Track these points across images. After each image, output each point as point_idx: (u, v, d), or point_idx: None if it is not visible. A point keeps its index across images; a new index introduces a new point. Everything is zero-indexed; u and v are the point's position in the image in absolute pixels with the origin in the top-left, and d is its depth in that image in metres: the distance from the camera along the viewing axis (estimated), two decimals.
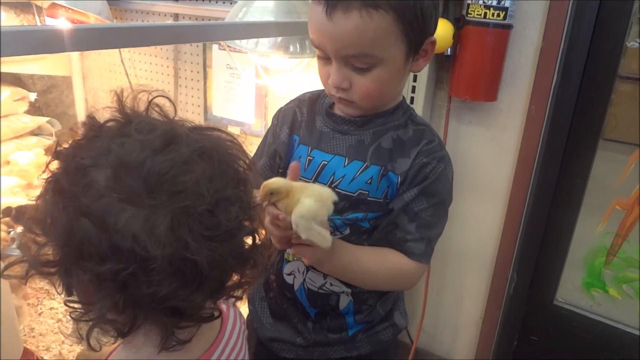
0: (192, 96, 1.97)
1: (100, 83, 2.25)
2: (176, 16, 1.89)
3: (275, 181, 0.71)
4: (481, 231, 1.63)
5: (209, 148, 0.51)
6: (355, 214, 0.85)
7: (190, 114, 1.99)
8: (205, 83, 1.89)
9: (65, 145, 0.53)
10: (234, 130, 1.86)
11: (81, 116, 2.29)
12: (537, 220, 1.59)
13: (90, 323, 0.49)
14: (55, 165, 0.52)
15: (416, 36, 0.75)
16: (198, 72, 1.92)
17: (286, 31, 1.28)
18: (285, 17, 1.35)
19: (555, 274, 1.66)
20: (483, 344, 1.74)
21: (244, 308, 0.96)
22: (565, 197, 1.56)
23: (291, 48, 1.38)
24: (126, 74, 2.08)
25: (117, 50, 2.02)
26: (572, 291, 1.66)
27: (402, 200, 0.83)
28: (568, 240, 1.61)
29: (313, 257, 0.76)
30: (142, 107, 0.54)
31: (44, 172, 0.53)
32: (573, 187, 1.55)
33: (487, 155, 1.56)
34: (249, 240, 0.54)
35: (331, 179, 0.85)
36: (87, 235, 0.45)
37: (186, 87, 1.98)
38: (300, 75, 1.61)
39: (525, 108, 1.46)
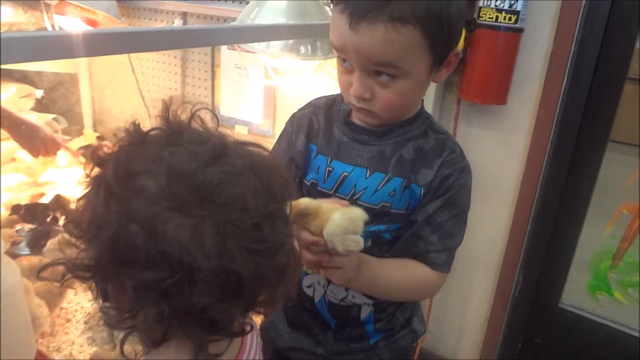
0: (200, 95, 1.97)
1: (106, 80, 2.25)
2: (184, 14, 1.89)
3: (303, 202, 0.70)
4: (489, 233, 1.63)
5: (256, 163, 0.51)
6: (377, 226, 0.84)
7: (197, 113, 1.99)
8: (213, 82, 1.89)
9: (106, 150, 0.53)
10: (241, 129, 1.86)
11: (87, 114, 2.29)
12: (544, 223, 1.59)
13: (126, 330, 0.49)
14: (95, 169, 0.52)
15: (442, 48, 0.75)
16: (206, 72, 1.92)
17: (298, 34, 1.28)
18: (297, 19, 1.35)
19: (560, 276, 1.67)
20: (487, 345, 1.75)
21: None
22: (572, 200, 1.57)
23: (302, 50, 1.38)
24: (133, 71, 2.08)
25: None
26: (577, 294, 1.67)
27: (425, 212, 0.83)
28: (574, 243, 1.61)
29: (343, 277, 0.75)
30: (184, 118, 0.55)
31: (87, 176, 0.52)
32: (581, 190, 1.56)
33: (496, 158, 1.56)
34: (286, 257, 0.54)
35: (352, 191, 0.84)
36: (135, 240, 0.45)
37: (193, 86, 1.98)
38: (310, 77, 1.61)
39: (534, 111, 1.47)
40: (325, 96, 0.98)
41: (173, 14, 1.91)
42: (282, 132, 0.97)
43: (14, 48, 0.64)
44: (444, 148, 0.84)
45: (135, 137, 0.52)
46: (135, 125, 0.53)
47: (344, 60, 0.77)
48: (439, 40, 0.73)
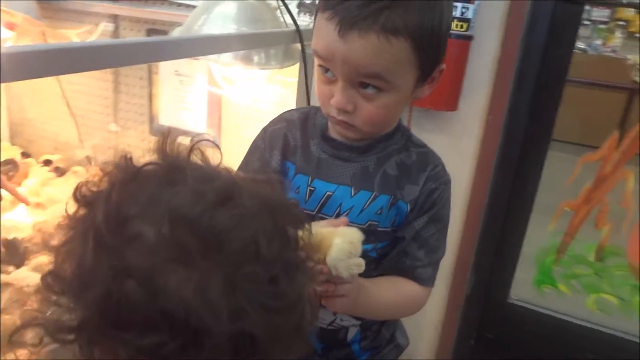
0: (135, 104, 1.84)
1: (25, 88, 2.04)
2: (116, 17, 1.76)
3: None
4: None
5: (269, 203, 0.45)
6: (365, 245, 0.81)
7: (132, 122, 1.86)
8: (150, 90, 1.77)
9: (92, 188, 0.45)
10: (183, 141, 1.76)
11: (3, 125, 2.07)
12: (493, 223, 1.65)
13: None
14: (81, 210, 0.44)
15: (429, 64, 0.73)
16: (142, 79, 1.79)
17: (251, 44, 1.22)
18: (250, 26, 1.28)
19: (509, 273, 1.74)
20: (443, 344, 1.78)
21: None
22: (518, 199, 1.63)
23: (256, 59, 1.32)
24: (57, 77, 1.90)
25: None
26: (524, 289, 1.74)
27: (412, 229, 0.81)
28: (521, 240, 1.69)
29: (346, 305, 0.71)
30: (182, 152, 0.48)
31: (69, 216, 0.45)
32: (526, 190, 1.63)
33: (448, 162, 1.56)
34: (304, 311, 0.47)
35: (337, 211, 0.80)
36: (131, 299, 0.38)
37: (127, 93, 1.84)
38: (259, 85, 1.55)
39: (483, 116, 1.51)
40: (296, 110, 0.94)
41: (102, 16, 1.76)
42: (252, 147, 0.91)
43: None
44: (428, 162, 0.83)
45: (127, 173, 0.45)
46: (127, 159, 0.47)
47: (326, 70, 0.73)
48: (428, 55, 0.71)
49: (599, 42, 5.06)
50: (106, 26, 1.77)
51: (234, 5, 1.30)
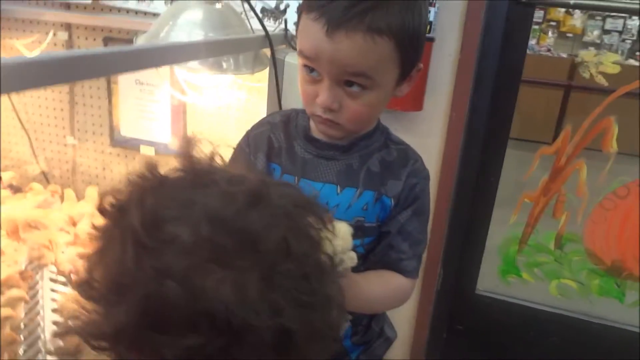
0: (93, 115, 1.78)
1: None
2: (68, 26, 1.69)
3: None
4: None
5: (297, 204, 0.46)
6: (353, 241, 0.83)
7: (91, 134, 1.80)
8: (110, 100, 1.72)
9: (116, 198, 0.45)
10: (147, 150, 1.72)
11: None
12: (459, 218, 1.70)
13: None
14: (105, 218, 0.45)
15: (409, 63, 0.76)
16: (99, 88, 1.74)
17: (222, 50, 1.21)
18: (218, 32, 1.27)
19: (475, 265, 1.80)
20: (417, 339, 1.82)
21: None
22: (481, 194, 1.70)
23: (224, 65, 1.31)
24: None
25: None
26: (490, 280, 1.81)
27: (397, 223, 0.84)
28: (485, 234, 1.75)
29: None
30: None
31: (95, 228, 0.45)
32: (488, 185, 1.69)
33: None
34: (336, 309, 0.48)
35: None
36: (173, 300, 0.38)
37: (84, 105, 1.78)
38: (226, 91, 1.54)
39: (446, 115, 1.56)
40: (278, 112, 0.95)
41: (54, 24, 1.70)
42: (236, 153, 0.91)
43: None
44: (408, 158, 0.86)
45: (155, 180, 0.45)
46: (152, 166, 0.47)
47: (311, 70, 0.75)
48: (409, 55, 0.75)
49: (533, 42, 5.34)
50: (60, 35, 1.70)
51: (200, 11, 1.28)
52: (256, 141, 0.88)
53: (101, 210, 0.45)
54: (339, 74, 0.72)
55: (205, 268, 0.39)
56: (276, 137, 0.87)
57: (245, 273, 0.40)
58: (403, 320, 1.81)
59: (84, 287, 0.44)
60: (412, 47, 0.74)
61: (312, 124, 0.85)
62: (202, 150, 0.49)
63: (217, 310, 0.38)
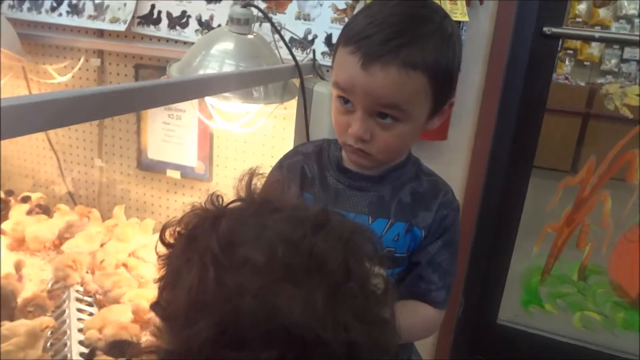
0: (121, 138, 1.82)
1: None
2: (101, 53, 1.75)
3: None
4: None
5: (357, 231, 0.49)
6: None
7: (118, 157, 1.84)
8: (139, 125, 1.76)
9: (178, 228, 0.49)
10: (173, 174, 1.75)
11: None
12: (482, 247, 1.70)
13: None
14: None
15: (442, 97, 0.78)
16: (128, 113, 1.78)
17: (253, 81, 1.24)
18: (249, 62, 1.31)
19: (497, 295, 1.79)
20: None
21: None
22: (504, 223, 1.70)
23: (255, 94, 1.34)
24: None
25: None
26: (512, 310, 1.80)
27: (427, 254, 0.84)
28: (508, 263, 1.75)
29: None
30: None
31: (161, 257, 0.49)
32: (511, 214, 1.69)
33: None
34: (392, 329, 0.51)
35: None
36: (248, 318, 0.41)
37: (113, 128, 1.82)
38: (253, 118, 1.56)
39: (470, 145, 1.57)
40: (310, 142, 0.97)
41: (87, 51, 1.75)
42: (270, 180, 0.93)
43: None
44: (439, 189, 0.87)
45: (218, 210, 0.49)
46: (215, 197, 0.50)
47: (345, 102, 0.77)
48: (442, 89, 0.76)
49: None
50: (92, 62, 1.75)
51: (232, 42, 1.32)
52: (289, 171, 0.90)
53: (163, 240, 0.49)
54: (372, 106, 0.74)
55: (278, 286, 0.42)
56: (309, 167, 0.89)
57: (313, 291, 0.42)
58: (423, 348, 1.79)
59: (157, 308, 0.46)
60: (445, 82, 0.76)
61: (344, 154, 0.86)
62: (260, 182, 0.52)
63: (291, 325, 0.41)
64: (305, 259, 0.43)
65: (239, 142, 1.67)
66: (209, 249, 0.44)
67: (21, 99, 0.59)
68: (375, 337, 0.45)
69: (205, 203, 0.49)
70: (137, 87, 0.81)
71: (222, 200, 0.50)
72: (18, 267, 1.47)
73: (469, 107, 1.55)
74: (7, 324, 1.23)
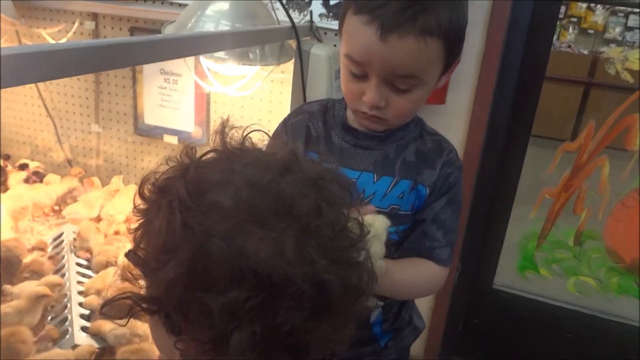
0: (117, 103, 1.80)
1: None
2: (95, 16, 1.72)
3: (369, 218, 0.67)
4: None
5: (326, 173, 0.50)
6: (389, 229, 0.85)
7: (115, 122, 1.83)
8: (134, 89, 1.74)
9: (157, 180, 0.50)
10: (170, 139, 1.74)
11: None
12: (479, 213, 1.71)
13: None
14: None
15: (453, 58, 0.78)
16: (124, 78, 1.76)
17: (248, 41, 1.22)
18: (244, 23, 1.29)
19: (493, 260, 1.81)
20: (433, 333, 1.83)
21: None
22: (502, 189, 1.70)
23: (251, 55, 1.32)
24: None
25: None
26: (508, 275, 1.82)
27: (432, 211, 0.85)
28: (504, 229, 1.76)
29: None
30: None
31: (136, 209, 0.49)
32: (509, 180, 1.69)
33: None
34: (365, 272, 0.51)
35: (360, 197, 0.83)
36: (217, 257, 0.42)
37: (109, 93, 1.80)
38: (250, 82, 1.55)
39: (469, 109, 1.56)
40: (316, 102, 0.96)
41: (80, 14, 1.72)
42: (274, 139, 0.93)
43: None
44: (443, 148, 0.88)
45: (192, 162, 0.49)
46: (190, 149, 0.51)
47: (359, 70, 0.76)
48: (453, 50, 0.76)
49: (554, 38, 5.27)
50: (87, 25, 1.73)
51: (227, 2, 1.30)
52: (294, 129, 0.90)
53: (142, 194, 0.50)
54: (389, 76, 0.74)
55: (246, 228, 0.43)
56: (314, 126, 0.89)
57: (282, 232, 0.43)
58: (420, 310, 1.82)
59: (132, 256, 0.48)
60: (457, 42, 0.76)
61: (349, 113, 0.87)
62: (234, 134, 0.52)
63: (259, 265, 0.42)
64: (272, 202, 0.44)
65: (236, 106, 1.66)
66: (177, 195, 0.45)
67: (20, 48, 0.59)
68: (347, 278, 0.46)
69: (180, 155, 0.50)
70: (132, 42, 0.80)
71: (196, 152, 0.50)
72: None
73: (469, 72, 1.53)
74: (18, 285, 1.24)
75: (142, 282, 0.48)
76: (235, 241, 0.42)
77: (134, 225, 0.50)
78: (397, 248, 0.87)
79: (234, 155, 0.49)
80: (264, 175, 0.46)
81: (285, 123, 0.92)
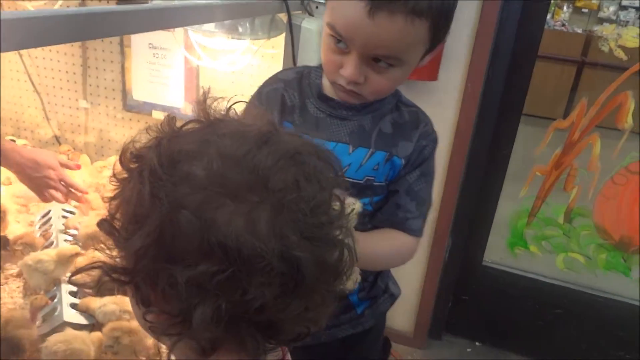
0: (105, 79, 1.77)
1: None
2: None
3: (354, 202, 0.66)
4: None
5: (306, 147, 0.48)
6: (362, 199, 0.84)
7: (103, 98, 1.80)
8: (123, 64, 1.71)
9: (139, 146, 0.48)
10: (160, 116, 1.72)
11: None
12: (470, 190, 1.71)
13: (174, 338, 0.44)
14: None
15: (438, 40, 0.76)
16: (112, 52, 1.72)
17: (238, 13, 1.19)
18: None
19: (483, 237, 1.82)
20: (423, 309, 1.85)
21: None
22: (493, 167, 1.70)
23: (240, 29, 1.30)
24: (18, 53, 1.80)
25: None
26: (498, 252, 1.83)
27: (405, 182, 0.85)
28: (495, 205, 1.76)
29: None
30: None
31: (115, 177, 0.48)
32: (500, 158, 1.69)
33: None
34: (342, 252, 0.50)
35: None
36: (185, 229, 0.41)
37: (97, 68, 1.77)
38: (240, 57, 1.52)
39: (462, 86, 1.55)
40: (290, 69, 0.95)
41: None
42: (247, 109, 0.91)
43: None
44: (419, 120, 0.87)
45: (173, 131, 0.48)
46: (170, 119, 0.49)
47: (339, 41, 0.74)
48: (440, 33, 0.75)
49: (548, 16, 5.24)
50: None
51: None
52: (269, 98, 0.88)
53: (121, 161, 0.48)
54: (371, 53, 0.72)
55: (218, 201, 0.41)
56: (289, 95, 0.87)
57: (256, 206, 0.42)
58: (410, 287, 1.83)
59: (104, 225, 0.46)
60: (444, 25, 0.74)
61: (325, 81, 0.85)
62: (217, 105, 0.50)
63: (228, 239, 0.40)
64: (247, 175, 0.43)
65: (226, 82, 1.64)
66: (149, 164, 0.44)
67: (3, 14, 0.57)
68: (322, 256, 0.45)
69: (160, 125, 0.48)
70: (118, 11, 0.78)
71: (175, 121, 0.49)
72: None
73: (462, 49, 1.51)
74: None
75: (115, 253, 0.47)
76: (205, 213, 0.41)
77: (108, 194, 0.48)
78: (370, 218, 0.87)
79: (212, 126, 0.48)
80: (240, 147, 0.44)
81: (260, 92, 0.90)
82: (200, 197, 0.41)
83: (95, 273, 0.47)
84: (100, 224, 0.47)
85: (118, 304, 1.10)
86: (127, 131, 1.81)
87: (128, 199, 0.45)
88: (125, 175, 0.48)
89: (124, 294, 0.50)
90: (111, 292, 1.08)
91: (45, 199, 1.35)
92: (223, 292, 0.41)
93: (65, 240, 1.44)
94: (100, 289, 0.50)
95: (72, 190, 1.40)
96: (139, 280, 0.44)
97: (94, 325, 1.13)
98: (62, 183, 1.36)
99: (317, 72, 0.86)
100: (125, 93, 1.75)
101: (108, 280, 0.46)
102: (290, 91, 0.87)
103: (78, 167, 1.54)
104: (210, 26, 1.29)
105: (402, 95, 0.90)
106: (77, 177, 1.62)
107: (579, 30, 4.65)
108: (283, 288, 0.43)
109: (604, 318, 1.77)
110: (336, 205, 0.49)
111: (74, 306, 1.17)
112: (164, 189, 0.42)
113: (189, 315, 0.42)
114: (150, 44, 1.65)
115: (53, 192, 1.34)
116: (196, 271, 0.41)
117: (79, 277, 0.49)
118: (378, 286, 0.96)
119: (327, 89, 0.84)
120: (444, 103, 1.58)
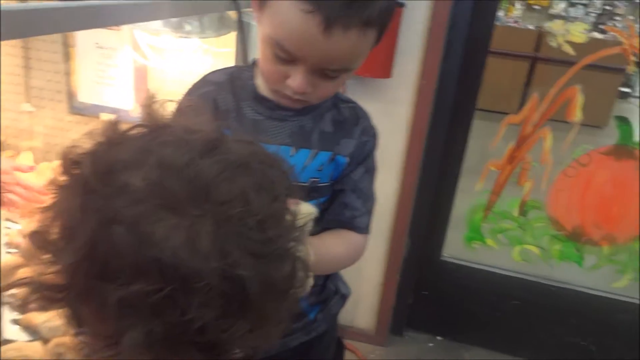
0: (49, 80, 1.69)
1: None
2: None
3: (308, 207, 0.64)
4: (378, 202, 1.70)
5: (256, 154, 0.45)
6: (309, 202, 0.82)
7: (47, 101, 1.72)
8: (68, 65, 1.64)
9: (80, 151, 0.44)
10: (108, 118, 1.65)
11: None
12: (426, 187, 1.72)
13: None
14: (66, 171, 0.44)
15: (379, 41, 0.74)
16: (56, 53, 1.65)
17: (185, 11, 1.15)
18: None
19: (441, 233, 1.83)
20: (384, 306, 1.86)
21: None
22: (448, 163, 1.72)
23: (187, 27, 1.26)
24: None
25: None
26: (455, 247, 1.85)
27: (351, 180, 0.84)
28: (451, 201, 1.78)
29: None
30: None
31: (53, 183, 0.44)
32: (455, 154, 1.71)
33: (382, 128, 1.56)
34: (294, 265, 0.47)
35: None
36: (118, 245, 0.38)
37: (40, 69, 1.69)
38: (190, 56, 1.48)
39: (416, 83, 1.56)
40: (219, 70, 0.89)
41: None
42: (185, 112, 0.87)
43: None
44: (359, 116, 0.86)
45: (114, 137, 0.44)
46: (114, 124, 0.46)
47: (286, 55, 0.70)
48: (383, 33, 0.73)
49: (501, 13, 5.36)
50: None
51: None
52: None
53: (62, 167, 0.44)
54: (322, 67, 0.70)
55: (156, 215, 0.39)
56: (222, 98, 0.82)
57: (197, 221, 0.39)
58: (370, 285, 1.83)
59: (35, 237, 0.43)
60: (386, 28, 0.73)
61: (259, 82, 0.81)
62: (163, 108, 0.47)
63: (164, 256, 0.38)
64: (187, 186, 0.40)
65: (177, 82, 1.59)
66: (81, 174, 0.41)
67: None
68: (269, 274, 0.42)
69: (103, 129, 0.45)
70: (58, 7, 0.73)
71: (118, 126, 0.45)
72: None
73: (415, 45, 1.52)
74: None
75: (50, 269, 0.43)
76: (141, 228, 0.38)
77: (42, 205, 0.44)
78: (318, 220, 0.85)
79: (154, 133, 0.44)
80: (183, 156, 0.41)
81: (189, 96, 0.85)
82: (137, 210, 0.38)
83: (24, 290, 0.43)
84: (32, 236, 0.43)
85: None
86: (74, 135, 1.74)
87: (59, 212, 0.42)
88: (62, 184, 0.44)
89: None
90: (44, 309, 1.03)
91: (5, 205, 1.29)
92: (158, 313, 0.38)
93: (7, 252, 1.37)
94: (26, 308, 0.46)
95: (32, 192, 1.33)
96: (71, 298, 0.41)
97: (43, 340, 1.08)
98: (18, 187, 1.30)
99: (249, 72, 0.82)
100: (70, 95, 1.67)
101: (37, 297, 0.43)
102: (222, 94, 0.82)
103: (31, 168, 1.47)
104: (157, 24, 1.24)
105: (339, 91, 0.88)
106: (32, 179, 1.55)
107: (531, 27, 4.78)
108: (225, 308, 0.40)
109: (558, 307, 1.81)
110: (289, 216, 0.47)
111: (16, 322, 1.11)
112: (96, 202, 0.39)
113: (121, 337, 0.39)
114: (96, 43, 1.59)
115: (12, 196, 1.28)
116: (128, 291, 0.37)
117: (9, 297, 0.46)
118: (329, 289, 0.95)
119: (263, 89, 0.80)
120: (398, 100, 1.59)
